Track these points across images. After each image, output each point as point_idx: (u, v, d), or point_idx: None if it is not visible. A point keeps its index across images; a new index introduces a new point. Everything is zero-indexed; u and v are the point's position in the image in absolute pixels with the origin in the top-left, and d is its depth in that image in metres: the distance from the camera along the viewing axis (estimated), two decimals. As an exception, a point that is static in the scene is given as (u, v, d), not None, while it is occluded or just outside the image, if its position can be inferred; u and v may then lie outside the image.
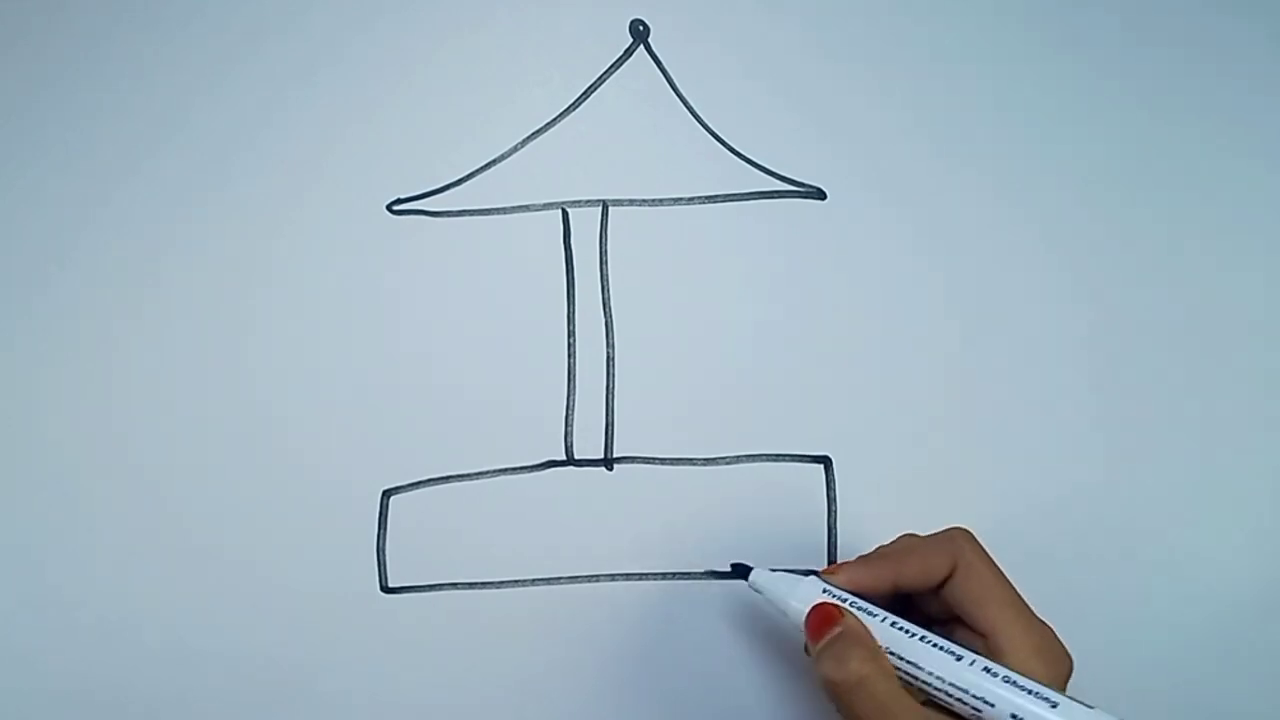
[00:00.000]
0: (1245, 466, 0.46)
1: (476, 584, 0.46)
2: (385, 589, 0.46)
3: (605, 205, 0.45)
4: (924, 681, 0.36)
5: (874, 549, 0.39)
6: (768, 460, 0.46)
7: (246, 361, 0.45)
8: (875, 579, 0.38)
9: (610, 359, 0.45)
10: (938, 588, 0.38)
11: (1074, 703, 0.33)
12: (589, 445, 0.46)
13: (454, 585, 0.46)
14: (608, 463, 0.46)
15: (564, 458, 0.46)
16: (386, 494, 0.45)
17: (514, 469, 0.46)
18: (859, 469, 0.46)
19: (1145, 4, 0.46)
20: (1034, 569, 0.46)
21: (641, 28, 0.44)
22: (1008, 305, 0.46)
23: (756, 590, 0.40)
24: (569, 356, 0.45)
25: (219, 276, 0.44)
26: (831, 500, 0.46)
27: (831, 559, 0.46)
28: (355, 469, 0.45)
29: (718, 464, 0.46)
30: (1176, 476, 0.46)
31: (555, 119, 0.44)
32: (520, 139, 0.44)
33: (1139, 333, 0.46)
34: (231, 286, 0.44)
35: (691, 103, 0.45)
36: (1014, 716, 0.33)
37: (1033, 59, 0.45)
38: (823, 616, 0.37)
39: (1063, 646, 0.37)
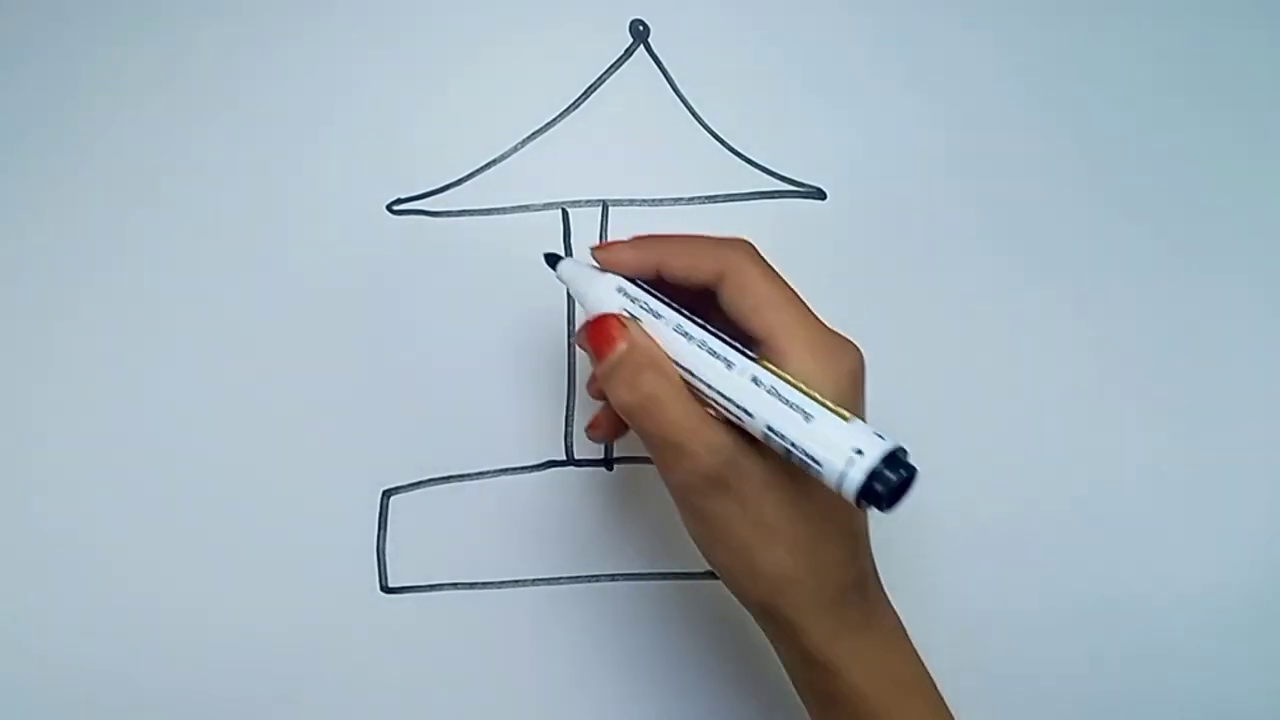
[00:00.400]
0: (1245, 466, 0.46)
1: (476, 584, 0.46)
2: (385, 589, 0.46)
3: (605, 205, 0.45)
4: (699, 390, 0.34)
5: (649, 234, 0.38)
6: (768, 460, 0.46)
7: (246, 361, 0.45)
8: (640, 261, 0.37)
9: (610, 359, 0.45)
10: (712, 296, 0.36)
11: (830, 414, 0.32)
12: (589, 445, 0.46)
13: (454, 585, 0.46)
14: (608, 463, 0.46)
15: (564, 458, 0.46)
16: (386, 494, 0.45)
17: (514, 469, 0.46)
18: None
19: None
20: (1034, 568, 0.47)
21: (641, 28, 0.44)
22: (1007, 305, 0.46)
23: (562, 282, 0.38)
24: (569, 356, 0.45)
25: (219, 276, 0.44)
26: (831, 500, 0.46)
27: (831, 559, 0.46)
28: (355, 469, 0.45)
29: (718, 464, 0.46)
30: (1177, 476, 0.46)
31: (555, 119, 0.44)
32: (520, 139, 0.44)
33: (1139, 332, 0.46)
34: (231, 286, 0.44)
35: (691, 103, 0.45)
36: (769, 427, 0.33)
37: (1035, 59, 0.45)
38: (603, 332, 0.36)
39: (844, 343, 0.35)
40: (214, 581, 0.45)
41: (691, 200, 0.45)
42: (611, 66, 0.44)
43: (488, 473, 0.46)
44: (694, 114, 0.45)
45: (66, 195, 0.44)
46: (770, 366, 0.34)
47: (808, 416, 0.32)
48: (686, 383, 0.35)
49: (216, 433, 0.45)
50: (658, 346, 0.35)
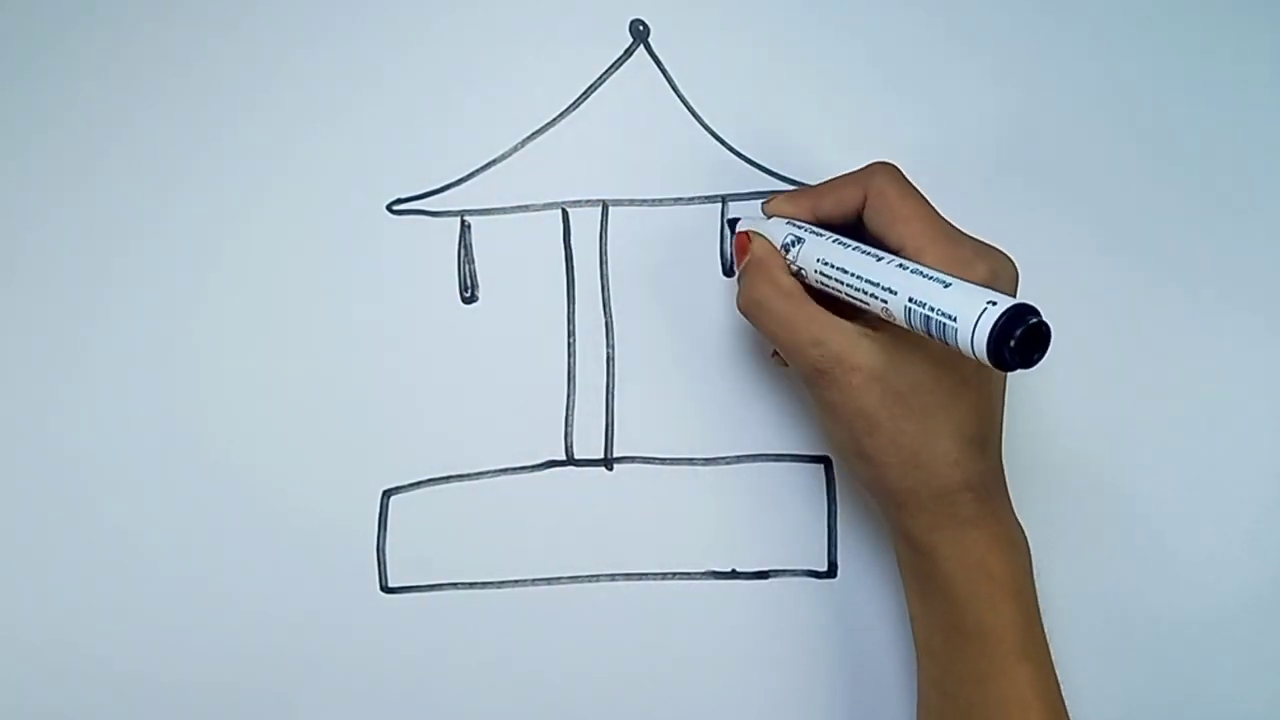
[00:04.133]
0: (1245, 466, 0.46)
1: (476, 584, 0.46)
2: (385, 589, 0.46)
3: (605, 205, 0.45)
4: (849, 284, 0.37)
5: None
6: (768, 460, 0.46)
7: (246, 361, 0.45)
8: (795, 208, 0.41)
9: (610, 359, 0.45)
10: (860, 219, 0.39)
11: (966, 284, 0.34)
12: (589, 445, 0.46)
13: (454, 585, 0.46)
14: (608, 463, 0.46)
15: (564, 458, 0.46)
16: (386, 494, 0.45)
17: (514, 469, 0.46)
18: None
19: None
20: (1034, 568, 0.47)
21: (641, 28, 0.44)
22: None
23: (740, 231, 0.42)
24: (569, 356, 0.45)
25: (219, 276, 0.44)
26: (831, 500, 0.46)
27: (832, 559, 0.46)
28: (355, 469, 0.45)
29: (718, 464, 0.46)
30: (1177, 476, 0.46)
31: (555, 119, 0.44)
32: (520, 139, 0.44)
33: (1140, 332, 0.46)
34: (231, 286, 0.44)
35: (691, 103, 0.45)
36: (911, 299, 0.35)
37: (1037, 58, 0.45)
38: (739, 246, 0.42)
39: (982, 252, 0.38)
40: (214, 581, 0.45)
41: (691, 200, 0.45)
42: (611, 66, 0.44)
43: (488, 473, 0.46)
44: (694, 114, 0.45)
45: (67, 196, 0.44)
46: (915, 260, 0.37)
47: (946, 285, 0.34)
48: (829, 281, 0.38)
49: (216, 432, 0.45)
50: (778, 258, 0.40)
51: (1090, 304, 0.46)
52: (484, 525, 0.46)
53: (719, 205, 0.45)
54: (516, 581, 0.46)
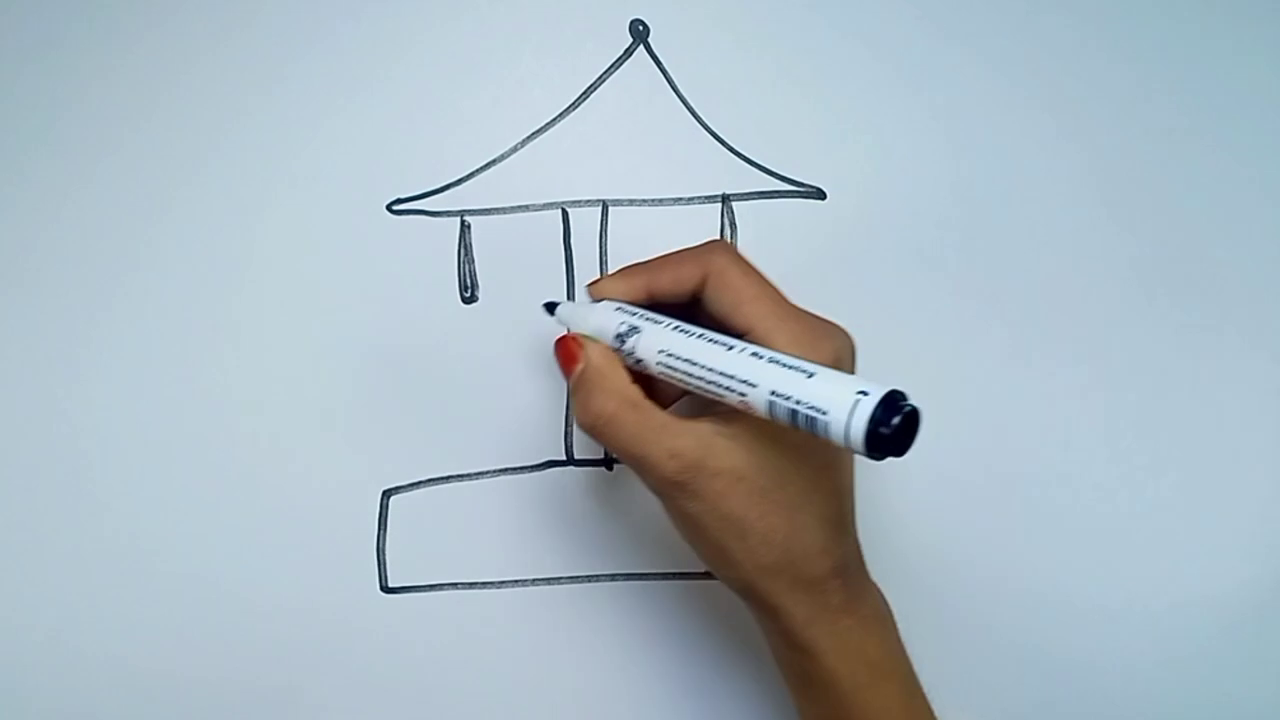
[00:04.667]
0: (1245, 466, 0.46)
1: (476, 584, 0.46)
2: (385, 589, 0.46)
3: (605, 205, 0.45)
4: (698, 377, 0.35)
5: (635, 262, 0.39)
6: (768, 460, 0.46)
7: (247, 362, 0.45)
8: (629, 287, 0.39)
9: (610, 359, 0.45)
10: (698, 300, 0.38)
11: (830, 372, 0.33)
12: (589, 445, 0.46)
13: (454, 585, 0.46)
14: (608, 463, 0.46)
15: (564, 458, 0.46)
16: (386, 494, 0.45)
17: (514, 469, 0.46)
18: (859, 468, 0.46)
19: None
20: (1034, 567, 0.47)
21: (641, 28, 0.44)
22: (1007, 305, 0.46)
23: (562, 323, 0.40)
24: (569, 356, 0.45)
25: (219, 276, 0.44)
26: (831, 500, 0.46)
27: (831, 559, 0.46)
28: (355, 469, 0.45)
29: (718, 464, 0.46)
30: (1177, 476, 0.46)
31: (555, 119, 0.44)
32: (520, 139, 0.44)
33: (1140, 333, 0.46)
34: (231, 286, 0.44)
35: (691, 103, 0.45)
36: (773, 392, 0.33)
37: (1038, 57, 0.45)
38: (565, 353, 0.38)
39: (828, 329, 0.37)
40: (214, 580, 0.45)
41: (691, 200, 0.45)
42: (611, 66, 0.44)
43: (488, 473, 0.46)
44: (694, 114, 0.45)
45: (69, 197, 0.44)
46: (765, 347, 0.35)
47: (809, 375, 0.33)
48: (679, 373, 0.36)
49: (216, 432, 0.45)
50: (616, 367, 0.37)
51: (1090, 303, 0.46)
52: (484, 525, 0.46)
53: (719, 205, 0.45)
54: (516, 581, 0.46)
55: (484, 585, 0.46)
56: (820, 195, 0.45)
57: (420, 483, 0.46)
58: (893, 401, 0.32)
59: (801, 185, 0.45)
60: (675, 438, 0.36)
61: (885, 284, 0.46)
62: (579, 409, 0.37)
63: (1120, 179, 0.46)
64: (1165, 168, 0.46)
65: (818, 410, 0.32)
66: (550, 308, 0.41)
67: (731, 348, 0.35)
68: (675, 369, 0.36)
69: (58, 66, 0.44)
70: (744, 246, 0.45)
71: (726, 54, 0.44)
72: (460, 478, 0.46)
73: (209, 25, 0.44)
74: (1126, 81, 0.45)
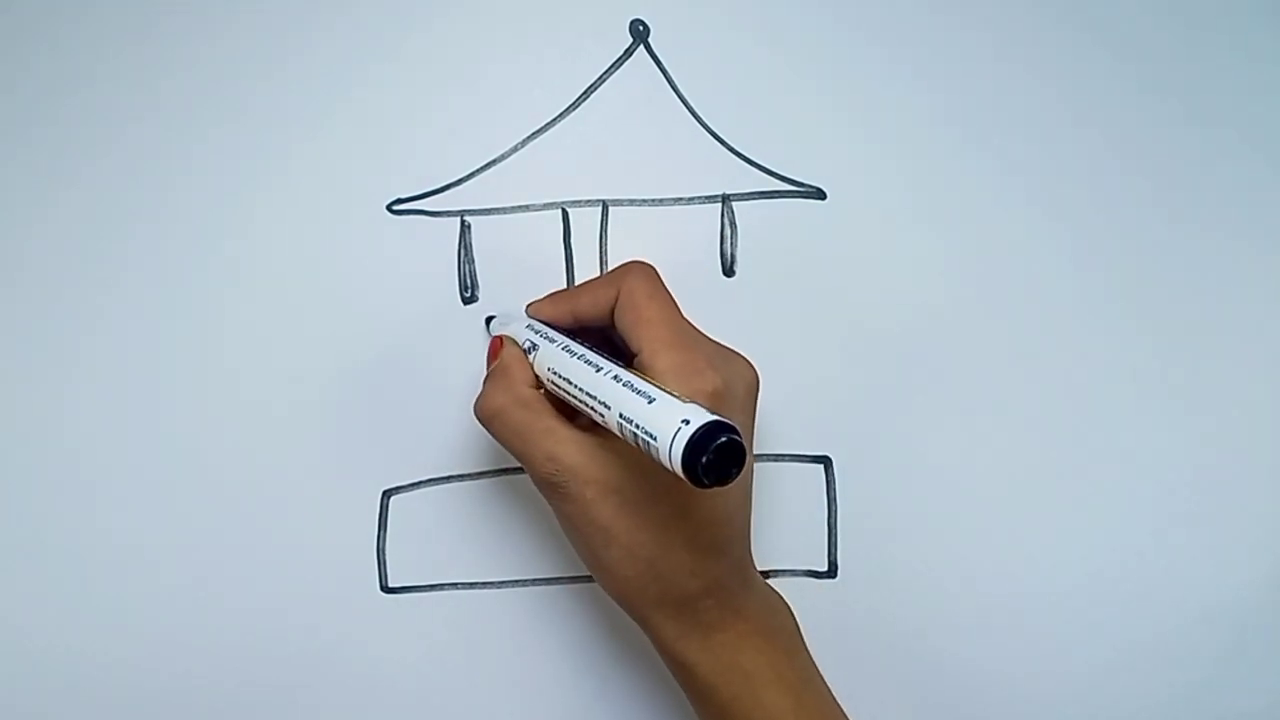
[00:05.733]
0: (1246, 466, 0.46)
1: (476, 584, 0.46)
2: (385, 589, 0.46)
3: (605, 205, 0.45)
4: (572, 394, 0.38)
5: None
6: (768, 460, 0.46)
7: (246, 362, 0.45)
8: (555, 311, 0.42)
9: (610, 359, 0.45)
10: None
11: (672, 398, 0.34)
12: (589, 445, 0.45)
13: (454, 585, 0.46)
14: (608, 463, 0.46)
15: (564, 458, 0.46)
16: (386, 494, 0.45)
17: (514, 469, 0.46)
18: (859, 469, 0.46)
19: None
20: (1033, 567, 0.47)
21: (641, 28, 0.44)
22: (1008, 304, 0.46)
23: (491, 334, 0.43)
24: (569, 356, 0.45)
25: (218, 276, 0.44)
26: (831, 500, 0.46)
27: (832, 559, 0.46)
28: (355, 469, 0.45)
29: (718, 464, 0.46)
30: (1177, 475, 0.46)
31: (555, 119, 0.44)
32: (520, 139, 0.44)
33: (1141, 333, 0.46)
34: (231, 286, 0.44)
35: (691, 103, 0.45)
36: (621, 414, 0.35)
37: (1039, 55, 0.45)
38: (491, 350, 0.42)
39: (717, 362, 0.38)
40: (213, 581, 0.45)
41: (691, 200, 0.45)
42: (611, 66, 0.44)
43: (488, 473, 0.46)
44: (694, 114, 0.45)
45: (66, 196, 0.44)
46: (638, 372, 0.37)
47: (651, 400, 0.34)
48: (561, 389, 0.38)
49: (216, 432, 0.45)
50: (523, 367, 0.40)
51: (1091, 302, 0.46)
52: (484, 525, 0.46)
53: (719, 205, 0.45)
54: (516, 581, 0.46)
55: (484, 585, 0.46)
56: (820, 195, 0.45)
57: (420, 483, 0.46)
58: (711, 432, 0.32)
59: (801, 185, 0.45)
60: (557, 443, 0.37)
61: (885, 284, 0.46)
62: (479, 400, 0.40)
63: (1124, 178, 0.46)
64: (1169, 165, 0.46)
65: (650, 435, 0.34)
66: (488, 320, 0.44)
67: (600, 369, 0.37)
68: (559, 386, 0.38)
69: (55, 65, 0.44)
70: (744, 246, 0.45)
71: (726, 54, 0.44)
72: (460, 478, 0.46)
73: (207, 24, 0.44)
74: (1135, 75, 0.45)
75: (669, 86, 0.45)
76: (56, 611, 0.45)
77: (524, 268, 0.45)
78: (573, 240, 0.45)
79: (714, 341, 0.40)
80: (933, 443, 0.46)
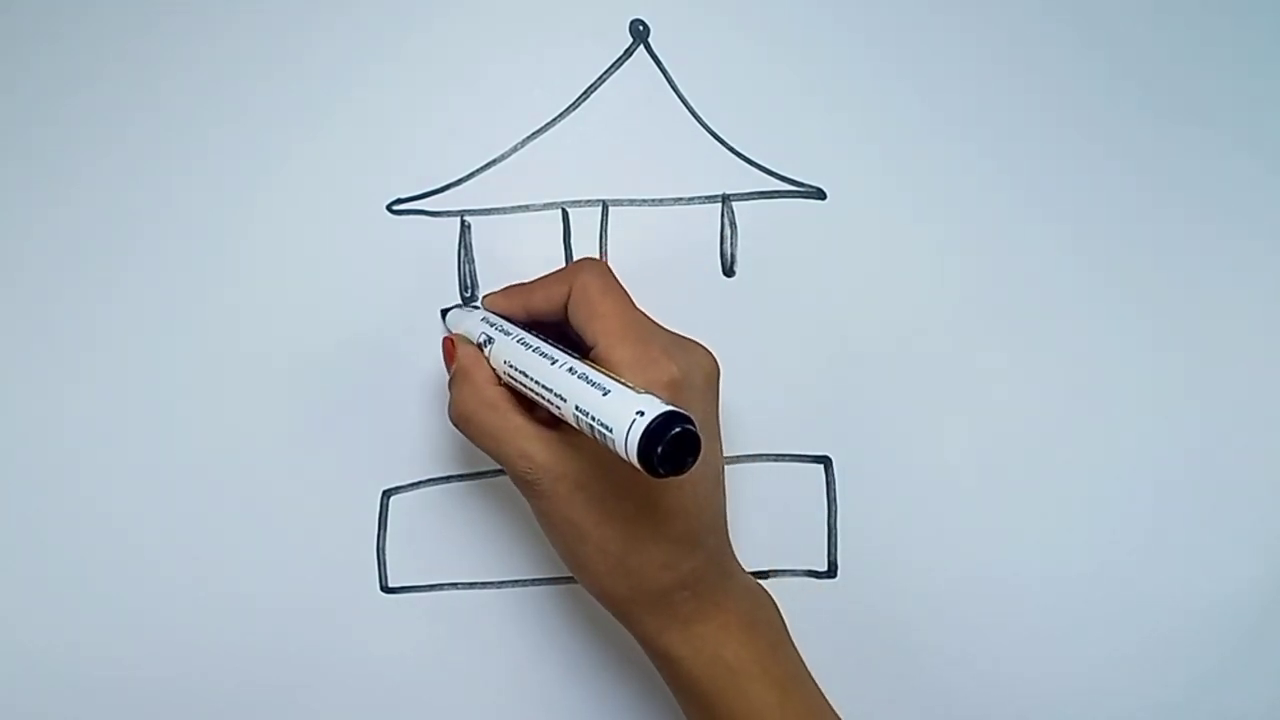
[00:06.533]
0: (1246, 466, 0.46)
1: (476, 584, 0.46)
2: (385, 589, 0.46)
3: (605, 205, 0.45)
4: (529, 387, 0.37)
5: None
6: (768, 460, 0.46)
7: (246, 361, 0.45)
8: (510, 305, 0.42)
9: (610, 359, 0.45)
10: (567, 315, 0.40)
11: (626, 389, 0.34)
12: (589, 445, 0.45)
13: (454, 585, 0.46)
14: (608, 463, 0.46)
15: (564, 458, 0.46)
16: (386, 494, 0.45)
17: (514, 469, 0.46)
18: (859, 469, 0.46)
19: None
20: (1033, 567, 0.47)
21: (641, 28, 0.44)
22: (1008, 304, 0.46)
23: (448, 328, 0.43)
24: (569, 356, 0.45)
25: (218, 276, 0.44)
26: (831, 500, 0.46)
27: (831, 559, 0.46)
28: (355, 469, 0.45)
29: (718, 464, 0.46)
30: (1177, 475, 0.46)
31: (555, 119, 0.44)
32: (520, 139, 0.44)
33: (1141, 333, 0.46)
34: (231, 286, 0.44)
35: (691, 103, 0.45)
36: (578, 407, 0.35)
37: (1038, 55, 0.45)
38: (445, 353, 0.42)
39: (675, 352, 0.38)
40: (214, 580, 0.45)
41: (691, 200, 0.45)
42: (611, 66, 0.44)
43: (487, 473, 0.46)
44: (694, 114, 0.45)
45: (65, 196, 0.44)
46: (591, 363, 0.37)
47: (606, 392, 0.34)
48: (518, 383, 0.38)
49: (216, 432, 0.45)
50: (482, 366, 0.40)
51: (1091, 303, 0.46)
52: (484, 525, 0.46)
53: (719, 205, 0.45)
54: (516, 581, 0.46)
55: (484, 585, 0.46)
56: (820, 195, 0.45)
57: (420, 483, 0.46)
58: (666, 423, 0.32)
59: (801, 185, 0.45)
60: (527, 440, 0.38)
61: (885, 284, 0.46)
62: (450, 405, 0.40)
63: (1124, 177, 0.46)
64: (1169, 165, 0.46)
65: (606, 427, 0.33)
66: (444, 313, 0.44)
67: (555, 362, 0.37)
68: (516, 379, 0.38)
69: (55, 65, 0.44)
70: (744, 246, 0.45)
71: (726, 54, 0.44)
72: (460, 478, 0.46)
73: (207, 24, 0.44)
74: (1134, 74, 0.45)
75: (669, 86, 0.45)
76: (56, 611, 0.45)
77: (524, 268, 0.45)
78: (573, 240, 0.45)
79: (670, 332, 0.40)
80: (933, 443, 0.46)
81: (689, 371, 0.38)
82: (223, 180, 0.44)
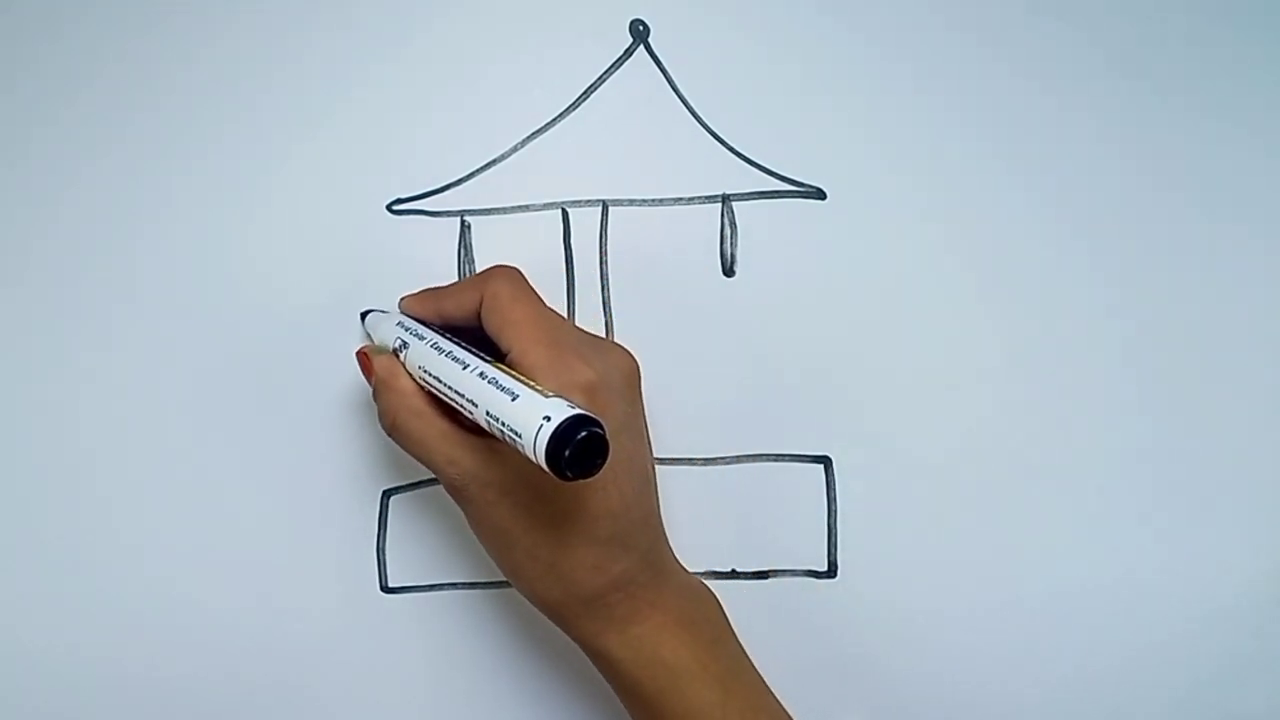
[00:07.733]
0: (1246, 466, 0.46)
1: (476, 584, 0.46)
2: (385, 589, 0.46)
3: (605, 205, 0.45)
4: (443, 392, 0.37)
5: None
6: (768, 460, 0.46)
7: (246, 361, 0.45)
8: (424, 309, 0.42)
9: (610, 359, 0.45)
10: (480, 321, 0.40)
11: (535, 393, 0.34)
12: (589, 445, 0.45)
13: (454, 585, 0.46)
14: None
15: (564, 458, 0.46)
16: (386, 494, 0.46)
17: (514, 469, 0.46)
18: (859, 469, 0.46)
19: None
20: (1033, 567, 0.47)
21: (641, 28, 0.44)
22: (1008, 304, 0.46)
23: (368, 331, 0.43)
24: (569, 356, 0.45)
25: (218, 276, 0.44)
26: (831, 500, 0.46)
27: (831, 559, 0.46)
28: (355, 469, 0.45)
29: (718, 464, 0.46)
30: (1178, 475, 0.46)
31: (555, 119, 0.44)
32: (520, 139, 0.44)
33: (1141, 333, 0.46)
34: (231, 286, 0.44)
35: (691, 103, 0.45)
36: (488, 412, 0.35)
37: (1038, 54, 0.45)
38: (362, 365, 0.41)
39: (590, 356, 0.38)
40: (213, 581, 0.45)
41: (691, 200, 0.45)
42: (611, 66, 0.44)
43: (488, 473, 0.46)
44: (694, 114, 0.45)
45: (65, 196, 0.44)
46: (503, 368, 0.36)
47: (514, 397, 0.34)
48: (432, 387, 0.38)
49: (216, 432, 0.45)
50: (400, 375, 0.39)
51: (1090, 302, 0.46)
52: (484, 525, 0.46)
53: (719, 205, 0.45)
54: (516, 581, 0.46)
55: (484, 585, 0.46)
56: (820, 195, 0.45)
57: (420, 483, 0.46)
58: (575, 426, 0.32)
59: (801, 185, 0.45)
60: (453, 447, 0.38)
61: (885, 284, 0.46)
62: (380, 417, 0.40)
63: (1125, 177, 0.46)
64: (1169, 164, 0.46)
65: (515, 432, 0.33)
66: (363, 316, 0.44)
67: (466, 367, 0.36)
68: (430, 384, 0.38)
69: (55, 64, 0.44)
70: (744, 246, 0.45)
71: (726, 54, 0.44)
72: (460, 478, 0.46)
73: (207, 24, 0.44)
74: (1135, 72, 0.45)
75: (669, 86, 0.45)
76: (56, 611, 0.45)
77: (524, 268, 0.45)
78: (573, 240, 0.45)
79: (587, 334, 0.40)
80: (933, 443, 0.46)
81: (605, 373, 0.38)
82: (223, 180, 0.44)
